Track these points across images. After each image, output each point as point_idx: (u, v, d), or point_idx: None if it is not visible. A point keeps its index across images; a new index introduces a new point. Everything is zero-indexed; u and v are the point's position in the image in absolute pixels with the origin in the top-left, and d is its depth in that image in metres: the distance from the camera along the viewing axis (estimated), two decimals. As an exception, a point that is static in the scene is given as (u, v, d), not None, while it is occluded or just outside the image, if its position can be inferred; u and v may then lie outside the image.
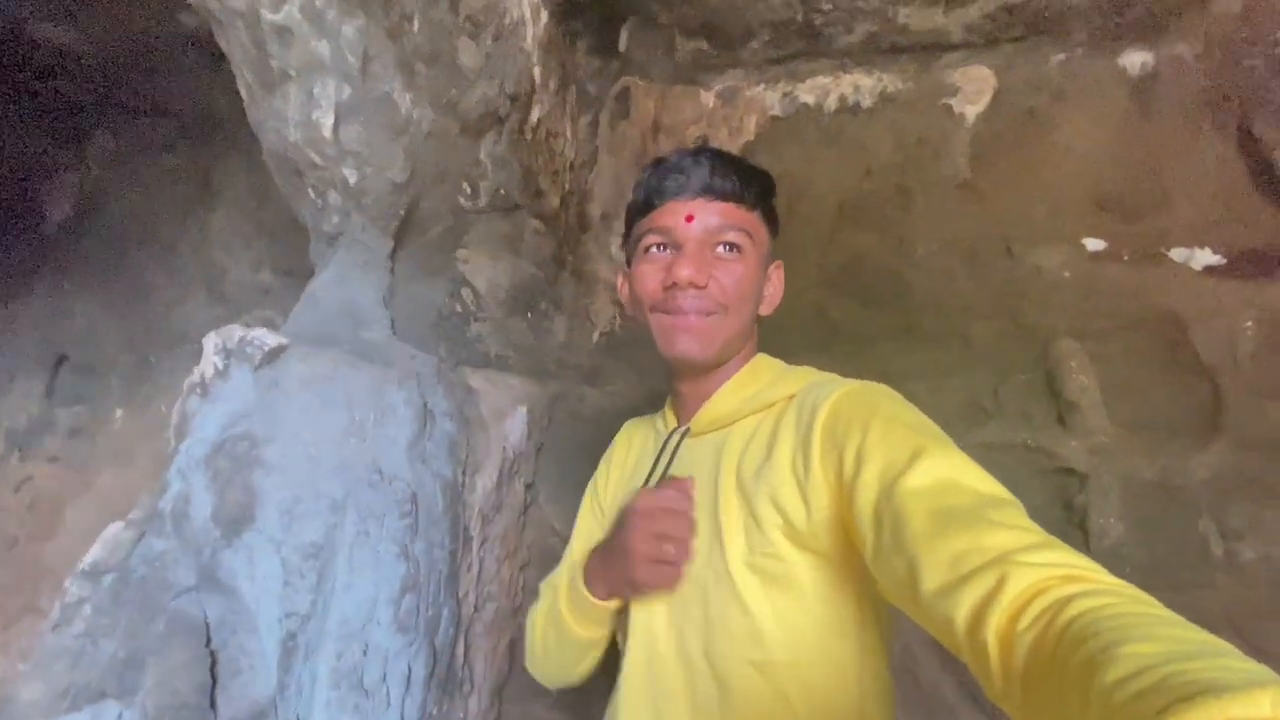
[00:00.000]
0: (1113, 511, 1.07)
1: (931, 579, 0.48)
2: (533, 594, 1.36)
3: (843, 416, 0.64)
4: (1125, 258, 1.19)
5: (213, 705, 0.75)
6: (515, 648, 1.30)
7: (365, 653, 0.86)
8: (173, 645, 0.76)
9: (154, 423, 1.55)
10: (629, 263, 0.81)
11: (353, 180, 1.07)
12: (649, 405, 1.46)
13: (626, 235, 0.82)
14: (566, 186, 1.52)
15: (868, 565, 0.58)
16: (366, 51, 0.97)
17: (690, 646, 0.68)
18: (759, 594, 0.65)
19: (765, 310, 0.81)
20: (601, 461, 0.95)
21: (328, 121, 0.99)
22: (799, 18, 1.33)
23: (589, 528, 0.90)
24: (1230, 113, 1.15)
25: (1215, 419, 1.08)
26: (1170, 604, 0.40)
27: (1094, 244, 1.22)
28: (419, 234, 1.24)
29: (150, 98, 1.66)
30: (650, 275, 0.76)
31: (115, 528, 0.84)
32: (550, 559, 1.39)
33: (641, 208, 0.78)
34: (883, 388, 0.69)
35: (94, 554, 0.81)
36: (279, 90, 1.00)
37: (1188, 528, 1.06)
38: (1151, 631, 0.35)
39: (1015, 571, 0.43)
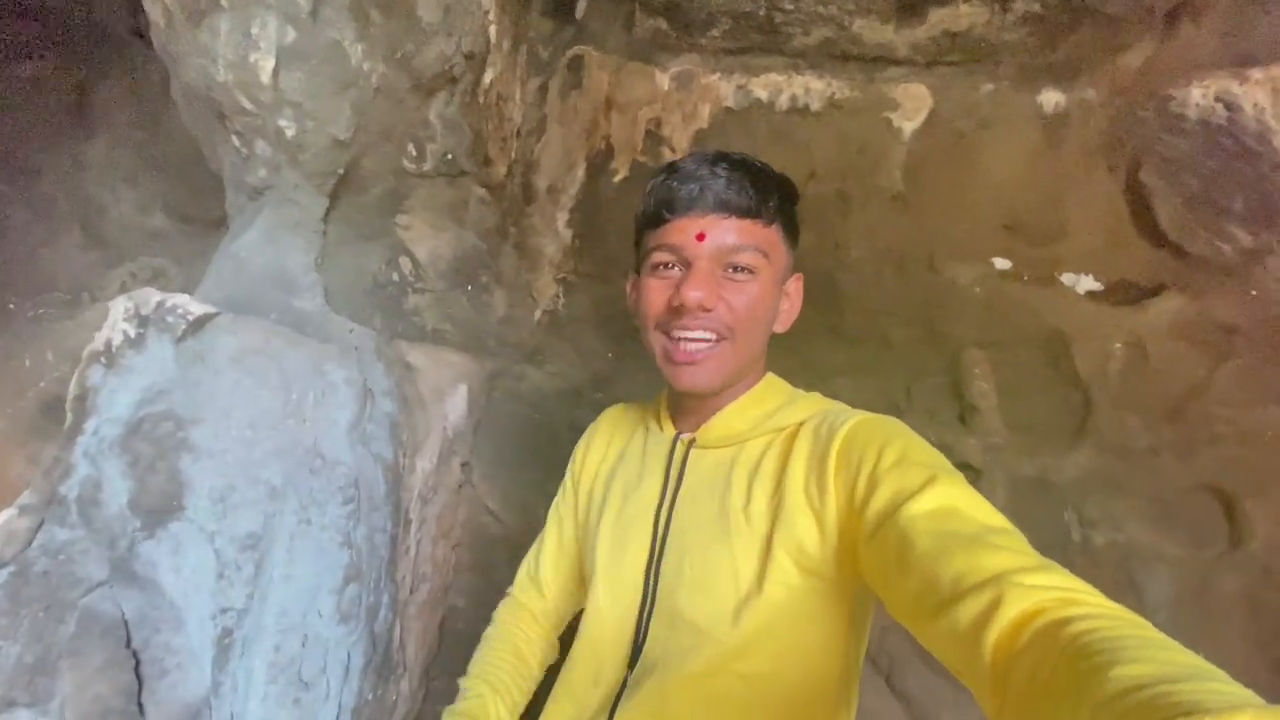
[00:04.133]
0: (999, 503, 1.21)
1: (931, 599, 0.48)
2: (466, 571, 1.35)
3: (857, 443, 0.63)
4: (1025, 278, 1.34)
5: (140, 709, 0.69)
6: (445, 626, 1.29)
7: (304, 644, 0.83)
8: (88, 646, 0.69)
9: (16, 380, 1.35)
10: (638, 270, 0.76)
11: (290, 132, 0.97)
12: (591, 387, 1.47)
13: (637, 241, 0.77)
14: (513, 155, 1.46)
15: (872, 588, 0.59)
16: (316, -6, 0.87)
17: (670, 649, 0.68)
18: (757, 614, 0.64)
19: (780, 327, 0.76)
20: (579, 445, 0.91)
21: (267, 65, 0.89)
22: (761, 13, 1.34)
23: (562, 515, 0.89)
24: (1123, 157, 1.31)
25: (1084, 426, 1.26)
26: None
27: (1001, 263, 1.36)
28: (356, 195, 1.15)
29: (8, -8, 1.39)
30: (657, 293, 0.71)
31: (7, 515, 0.74)
32: (483, 537, 1.38)
33: (652, 219, 0.72)
34: (895, 421, 0.68)
35: (-19, 546, 0.71)
36: (207, 22, 0.88)
37: (1055, 517, 1.23)
38: (1143, 654, 0.36)
39: (1012, 592, 0.44)
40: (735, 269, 0.69)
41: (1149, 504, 1.22)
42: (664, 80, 1.50)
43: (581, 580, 0.85)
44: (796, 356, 1.39)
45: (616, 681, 0.72)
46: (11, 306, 1.42)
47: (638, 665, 0.70)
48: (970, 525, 0.53)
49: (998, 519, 0.55)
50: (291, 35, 0.88)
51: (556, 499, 0.91)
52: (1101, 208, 1.32)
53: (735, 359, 0.71)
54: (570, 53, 1.52)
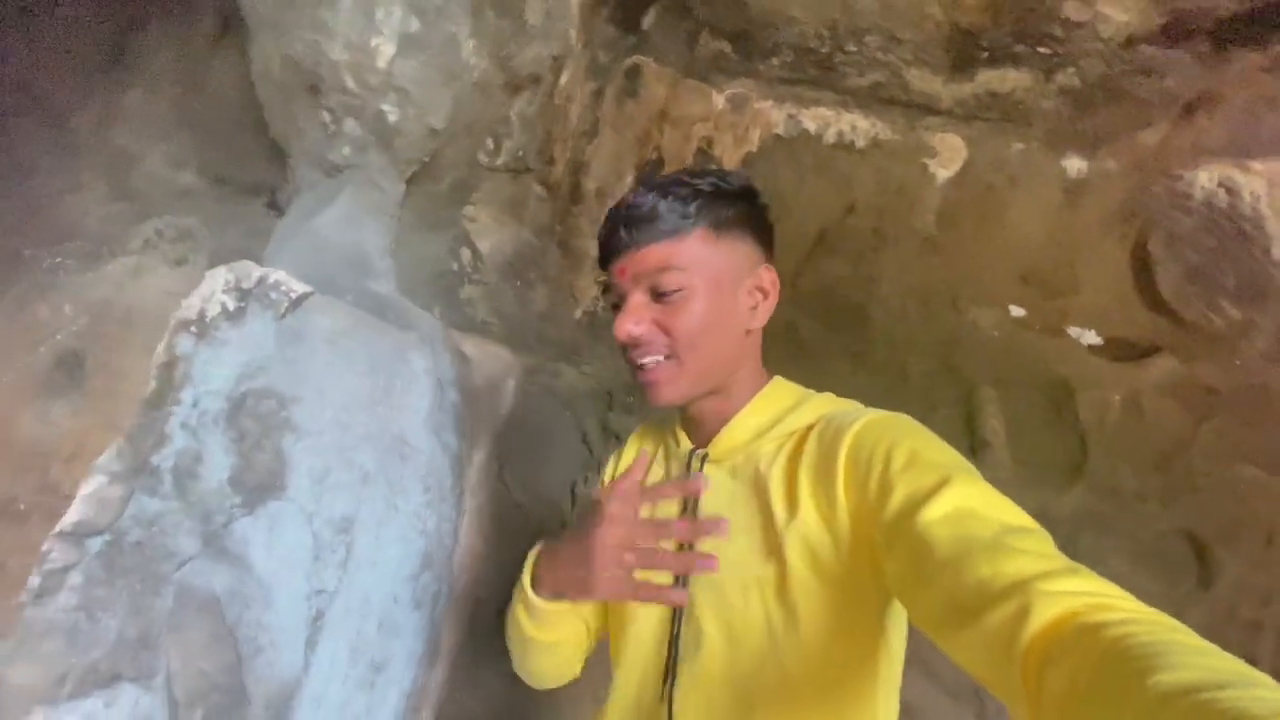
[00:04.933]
0: (1003, 533, 1.33)
1: (955, 609, 0.48)
2: (491, 564, 1.36)
3: (866, 445, 0.63)
4: (1037, 327, 1.45)
5: (241, 686, 0.69)
6: (470, 618, 1.30)
7: (379, 629, 0.84)
8: (188, 621, 0.69)
9: (29, 331, 1.29)
10: None
11: (392, 117, 0.97)
12: (624, 390, 1.50)
13: None
14: (568, 155, 1.48)
15: (896, 597, 0.60)
16: (447, -12, 0.88)
17: (710, 670, 0.68)
18: (781, 621, 0.65)
19: (756, 323, 0.77)
20: (606, 470, 0.92)
21: (387, 51, 0.89)
22: (825, 50, 1.41)
23: None
24: (1133, 226, 1.43)
25: (1081, 468, 1.37)
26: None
27: (1017, 311, 1.46)
28: (430, 183, 1.15)
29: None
30: (615, 328, 0.76)
31: (98, 482, 0.73)
32: (508, 531, 1.39)
33: (600, 264, 0.79)
34: (905, 418, 0.68)
35: (76, 513, 0.70)
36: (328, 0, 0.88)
37: (1049, 550, 1.34)
38: (1184, 659, 0.35)
39: (1040, 600, 0.43)
40: (663, 293, 0.71)
41: (1132, 543, 1.35)
42: (719, 100, 1.54)
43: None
44: (823, 380, 1.46)
45: (655, 698, 0.73)
46: (28, 254, 1.34)
47: (676, 680, 0.71)
48: (989, 526, 0.51)
49: (1018, 516, 0.55)
50: (415, 25, 0.89)
51: None
52: (1110, 270, 1.45)
53: (688, 373, 0.72)
54: (629, 61, 1.55)
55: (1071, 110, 1.42)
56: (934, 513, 0.53)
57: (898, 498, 0.57)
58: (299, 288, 0.85)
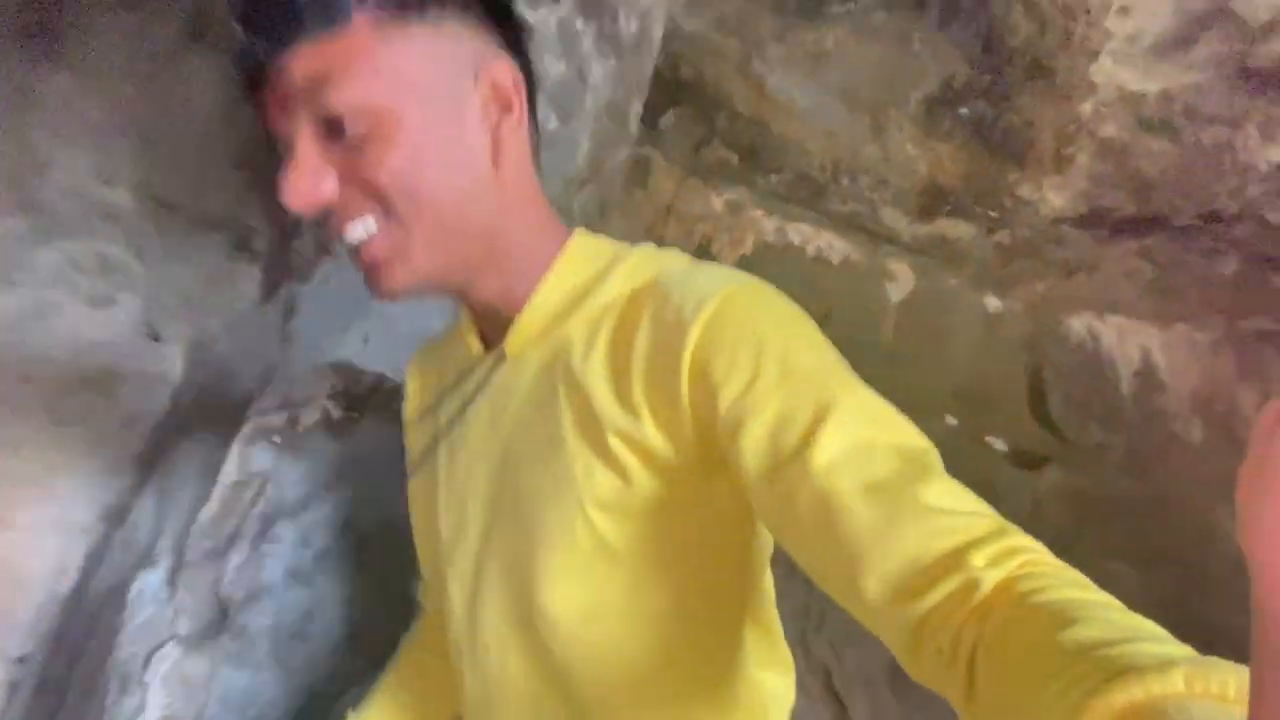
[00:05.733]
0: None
1: (883, 584, 0.43)
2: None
3: (719, 353, 0.48)
4: (968, 438, 1.71)
5: None
6: None
7: None
8: None
9: None
10: None
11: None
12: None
13: None
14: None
15: (771, 533, 0.51)
16: (596, 93, 0.86)
17: (516, 604, 0.54)
18: (622, 530, 0.51)
19: (508, 151, 0.50)
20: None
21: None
22: (822, 179, 1.57)
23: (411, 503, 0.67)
24: (1032, 357, 1.77)
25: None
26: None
27: (950, 420, 1.71)
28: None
29: None
30: (282, 198, 0.49)
31: (171, 656, 0.58)
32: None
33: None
34: (759, 296, 0.51)
35: (156, 705, 0.55)
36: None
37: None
38: (1085, 615, 0.36)
39: (981, 578, 0.40)
40: (336, 121, 0.46)
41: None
42: (718, 203, 1.63)
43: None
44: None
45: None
46: None
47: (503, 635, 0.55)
48: (888, 462, 0.45)
49: (905, 434, 0.49)
50: (554, 124, 0.86)
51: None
52: (1015, 391, 1.76)
53: (419, 238, 0.49)
54: (640, 151, 1.58)
55: (995, 260, 1.73)
56: (825, 456, 0.44)
57: (765, 424, 0.46)
58: (418, 395, 0.75)
